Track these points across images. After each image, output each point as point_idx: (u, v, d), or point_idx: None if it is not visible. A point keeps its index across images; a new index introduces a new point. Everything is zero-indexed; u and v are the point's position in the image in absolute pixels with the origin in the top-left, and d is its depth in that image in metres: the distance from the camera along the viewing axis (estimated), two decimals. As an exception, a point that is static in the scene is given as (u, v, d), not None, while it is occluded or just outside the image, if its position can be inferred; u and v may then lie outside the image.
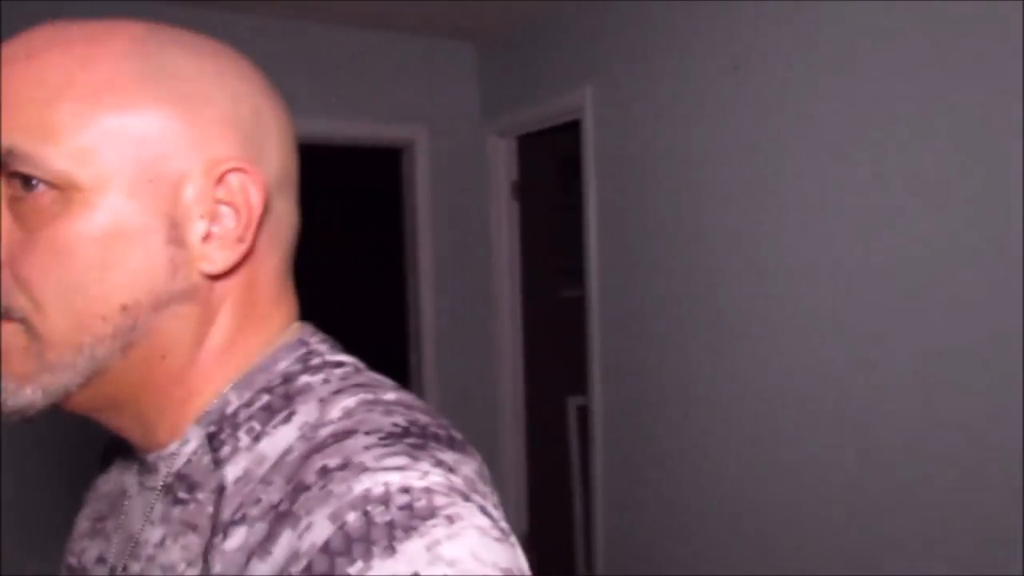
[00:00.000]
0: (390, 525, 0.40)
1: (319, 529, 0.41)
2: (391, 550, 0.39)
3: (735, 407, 2.17)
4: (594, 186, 2.67)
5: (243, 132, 0.52)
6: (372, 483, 0.42)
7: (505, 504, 2.83)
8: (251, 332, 0.55)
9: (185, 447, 0.52)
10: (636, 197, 2.50)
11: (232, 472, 0.50)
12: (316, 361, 0.55)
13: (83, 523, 0.66)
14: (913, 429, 1.72)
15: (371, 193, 5.06)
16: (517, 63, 3.12)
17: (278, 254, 0.56)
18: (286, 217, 0.56)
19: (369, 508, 0.41)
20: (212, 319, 0.53)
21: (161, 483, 0.53)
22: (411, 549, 0.39)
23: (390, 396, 0.51)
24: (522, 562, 0.44)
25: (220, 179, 0.50)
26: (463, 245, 3.35)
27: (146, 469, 0.55)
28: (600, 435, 2.72)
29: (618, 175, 2.57)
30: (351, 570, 0.39)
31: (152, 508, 0.54)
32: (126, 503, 0.59)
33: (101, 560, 0.59)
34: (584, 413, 3.47)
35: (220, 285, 0.52)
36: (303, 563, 0.40)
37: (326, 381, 0.53)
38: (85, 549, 0.63)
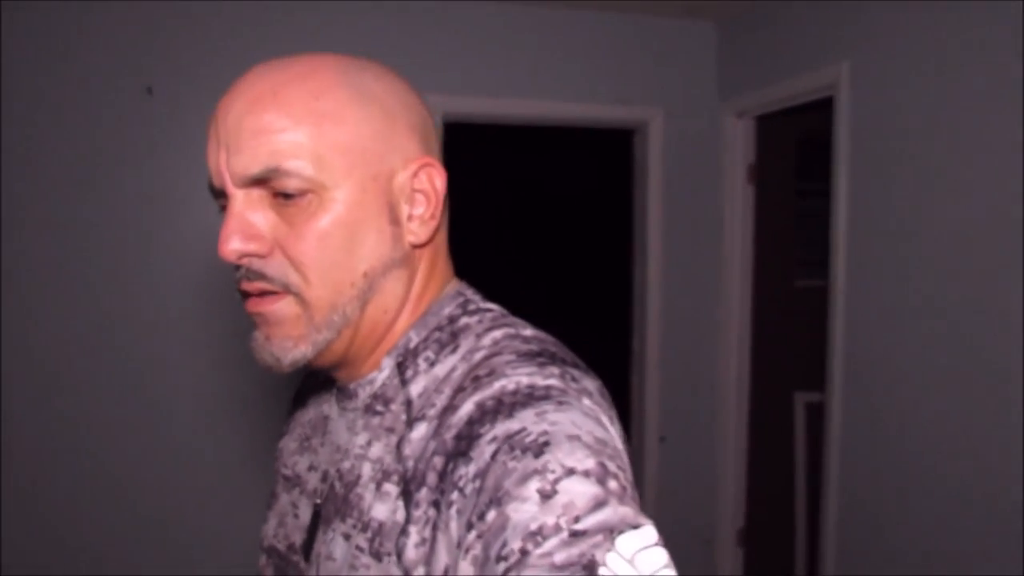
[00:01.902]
0: (513, 403, 0.55)
1: (465, 409, 0.57)
2: (510, 416, 0.54)
3: (991, 418, 1.94)
4: (846, 170, 2.50)
5: (420, 133, 0.68)
6: (507, 381, 0.58)
7: (722, 496, 2.79)
8: (431, 287, 0.72)
9: (381, 374, 0.69)
10: (894, 183, 2.30)
11: (415, 389, 0.66)
12: (472, 307, 0.71)
13: (291, 444, 0.83)
14: None
15: (601, 176, 5.07)
16: (761, 40, 2.98)
17: (447, 225, 0.74)
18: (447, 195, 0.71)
19: (503, 396, 0.56)
20: (414, 278, 0.70)
21: (362, 404, 0.70)
22: (524, 414, 0.54)
23: (528, 332, 0.67)
24: (619, 445, 0.56)
25: (416, 173, 0.67)
26: (693, 229, 3.27)
27: (346, 396, 0.72)
28: (837, 435, 2.55)
29: (874, 158, 2.38)
30: (481, 430, 0.55)
31: (355, 423, 0.70)
32: (329, 424, 0.76)
33: (312, 468, 0.76)
34: (813, 410, 3.28)
35: (419, 252, 0.70)
36: (453, 431, 0.57)
37: (480, 321, 0.69)
38: (296, 462, 0.80)
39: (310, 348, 0.65)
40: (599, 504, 0.47)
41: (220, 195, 0.65)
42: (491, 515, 0.49)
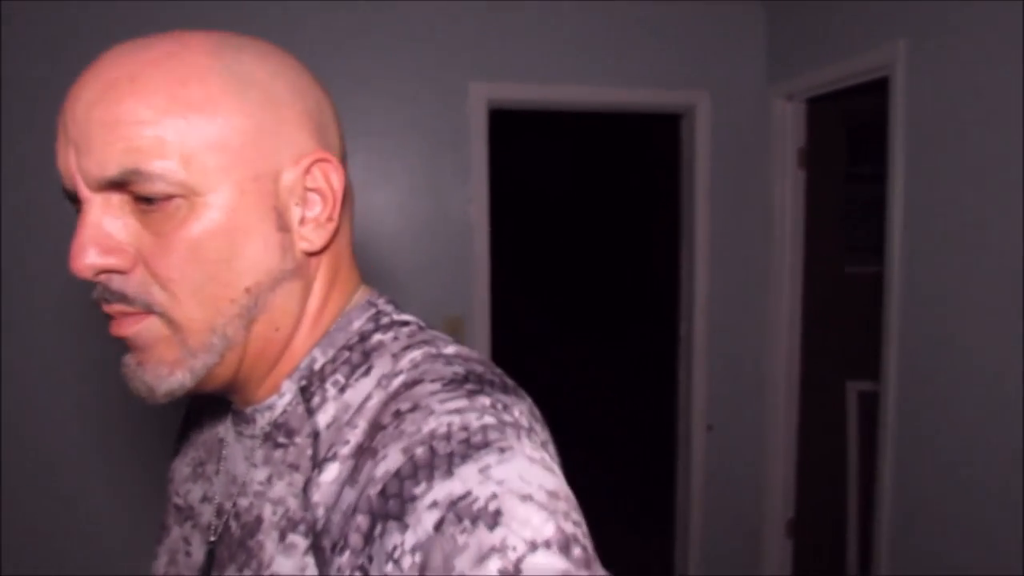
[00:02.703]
0: (450, 455, 0.48)
1: (392, 459, 0.50)
2: (450, 473, 0.47)
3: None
4: (902, 154, 2.42)
5: (314, 123, 0.59)
6: (437, 424, 0.50)
7: (772, 488, 2.73)
8: (334, 298, 0.64)
9: (281, 400, 0.61)
10: (953, 167, 2.22)
11: (323, 419, 0.58)
12: (385, 320, 0.64)
13: (183, 468, 0.74)
14: None
15: (647, 161, 5.02)
16: (812, 20, 2.90)
17: (350, 226, 0.66)
18: (351, 192, 0.64)
19: (434, 443, 0.49)
20: (310, 290, 0.62)
21: (260, 431, 0.62)
22: (466, 472, 0.47)
23: (450, 350, 0.59)
24: (567, 490, 0.49)
25: (307, 170, 0.58)
26: (741, 214, 3.21)
27: (243, 420, 0.64)
28: (892, 426, 2.49)
29: (932, 141, 2.30)
30: (416, 490, 0.47)
31: (253, 452, 0.62)
32: (224, 450, 0.67)
33: (206, 499, 0.68)
34: (866, 399, 3.21)
35: (315, 260, 0.62)
36: (379, 486, 0.49)
37: (395, 338, 0.61)
38: (189, 491, 0.71)
39: (188, 376, 0.56)
40: None
41: (74, 199, 0.56)
42: None
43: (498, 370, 0.59)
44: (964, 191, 2.19)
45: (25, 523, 2.64)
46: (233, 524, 0.61)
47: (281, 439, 0.60)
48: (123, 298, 0.54)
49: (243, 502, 0.61)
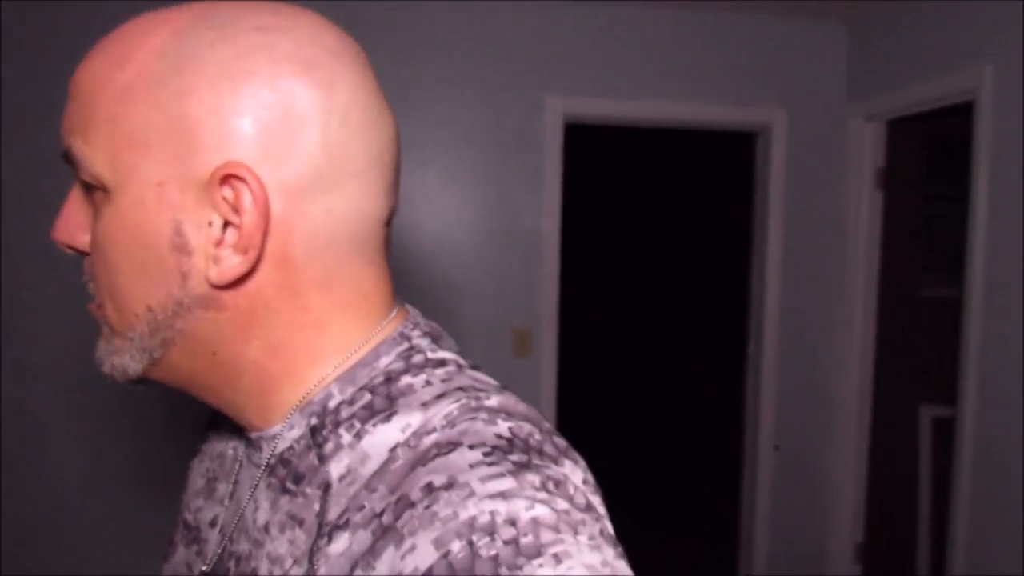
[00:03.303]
0: (495, 560, 0.39)
1: (423, 554, 0.40)
2: None
3: None
4: (986, 178, 2.39)
5: (261, 132, 0.46)
6: (478, 511, 0.41)
7: (839, 511, 2.73)
8: (348, 321, 0.53)
9: (289, 432, 0.52)
10: (1041, 190, 2.19)
11: (336, 470, 0.49)
12: (418, 359, 0.53)
13: (198, 479, 0.66)
14: None
15: (722, 179, 5.03)
16: (894, 42, 2.88)
17: (338, 252, 0.51)
18: (344, 213, 0.50)
19: (475, 538, 0.40)
20: (253, 323, 0.50)
21: (264, 463, 0.54)
22: None
23: (492, 402, 0.49)
24: (620, 561, 0.41)
25: (221, 184, 0.46)
26: (815, 233, 3.20)
27: (250, 445, 0.56)
28: (969, 453, 2.45)
29: (1017, 166, 2.27)
30: None
31: (256, 485, 0.54)
32: (238, 468, 0.60)
33: (213, 525, 0.60)
34: (940, 425, 3.15)
35: (247, 293, 0.49)
36: None
37: (428, 383, 0.51)
38: (200, 508, 0.63)
39: (119, 368, 0.52)
40: None
41: None
42: None
43: (547, 425, 0.51)
44: (1051, 217, 2.15)
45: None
46: (231, 567, 0.54)
47: (289, 484, 0.51)
48: (91, 276, 0.52)
49: (243, 547, 0.53)
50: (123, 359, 0.51)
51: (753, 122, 3.13)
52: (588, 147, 5.18)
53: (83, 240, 0.51)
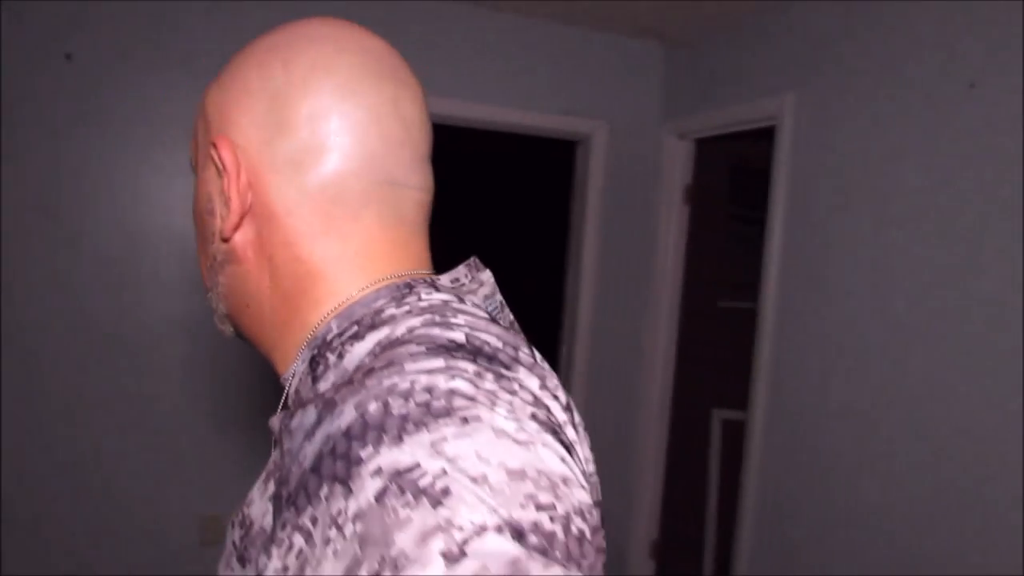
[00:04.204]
0: (403, 418, 0.43)
1: (346, 415, 0.45)
2: (399, 440, 0.42)
3: (911, 446, 2.05)
4: (783, 199, 2.59)
5: (267, 101, 0.59)
6: (400, 379, 0.46)
7: (637, 508, 2.83)
8: (324, 278, 0.60)
9: (299, 367, 0.60)
10: (829, 215, 2.40)
11: (323, 387, 0.55)
12: (411, 299, 0.57)
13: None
14: None
15: (541, 186, 5.11)
16: (707, 65, 3.06)
17: (323, 210, 0.59)
18: (324, 178, 0.59)
19: (390, 400, 0.44)
20: (263, 273, 0.61)
21: (281, 403, 0.62)
22: (417, 441, 0.42)
23: (459, 319, 0.53)
24: (549, 465, 0.44)
25: (212, 151, 0.60)
26: (628, 244, 3.33)
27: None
28: (757, 454, 2.63)
29: (812, 189, 2.48)
30: (362, 453, 0.43)
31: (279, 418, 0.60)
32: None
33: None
34: (730, 427, 3.38)
35: (249, 244, 0.61)
36: (330, 444, 0.45)
37: (409, 311, 0.55)
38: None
39: (217, 319, 0.67)
40: (516, 573, 0.39)
41: None
42: None
43: (527, 349, 0.54)
44: (837, 237, 2.36)
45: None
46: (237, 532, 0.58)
47: (292, 406, 0.59)
48: None
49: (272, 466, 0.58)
50: (216, 316, 0.66)
51: (575, 131, 3.21)
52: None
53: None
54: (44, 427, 2.55)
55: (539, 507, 0.42)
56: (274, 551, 0.46)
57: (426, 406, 0.44)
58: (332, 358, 0.56)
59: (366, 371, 0.48)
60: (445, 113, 2.98)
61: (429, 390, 0.45)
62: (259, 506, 0.53)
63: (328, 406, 0.47)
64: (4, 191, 2.43)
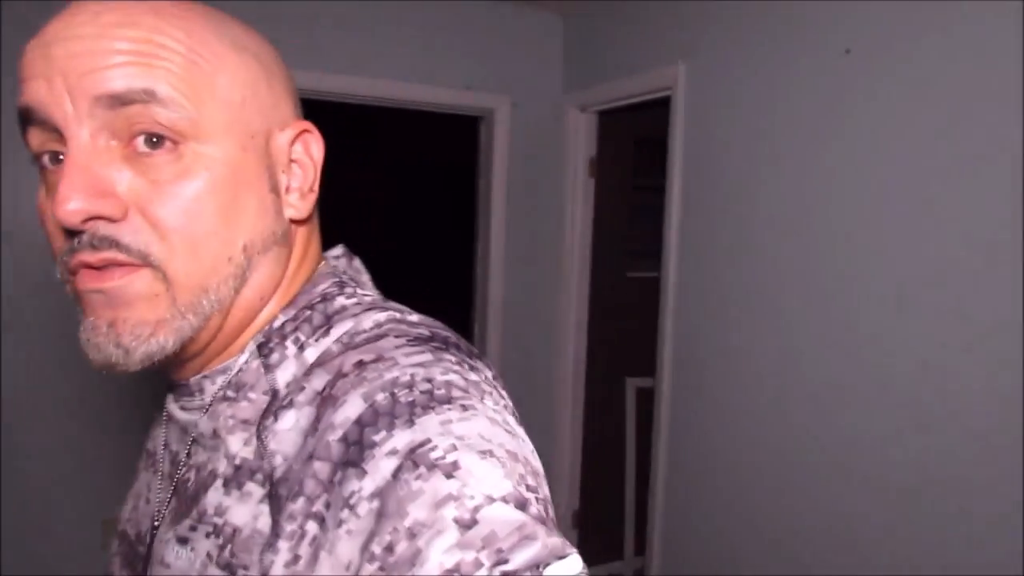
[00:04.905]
0: (411, 404, 0.47)
1: (352, 406, 0.48)
2: (410, 423, 0.46)
3: (807, 402, 2.13)
4: (680, 167, 2.63)
5: (293, 97, 0.61)
6: (400, 373, 0.50)
7: (557, 480, 2.89)
8: (304, 268, 0.63)
9: (239, 360, 0.59)
10: (723, 182, 2.45)
11: (282, 377, 0.56)
12: (350, 289, 0.62)
13: (156, 413, 0.70)
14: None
15: (445, 163, 5.06)
16: (604, 36, 3.07)
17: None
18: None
19: (396, 391, 0.48)
20: (290, 259, 0.61)
21: (211, 398, 0.59)
22: (427, 422, 0.46)
23: (414, 317, 0.59)
24: (529, 455, 0.50)
25: (294, 140, 0.59)
26: (535, 218, 3.33)
27: (186, 393, 0.60)
28: (665, 419, 2.69)
29: (706, 157, 2.52)
30: (376, 437, 0.46)
31: (199, 420, 0.59)
32: (163, 433, 0.65)
33: (167, 446, 0.64)
34: (643, 395, 3.45)
35: (295, 229, 0.62)
36: (338, 433, 0.48)
37: (358, 303, 0.60)
38: (155, 436, 0.68)
39: (172, 338, 0.52)
40: (525, 537, 0.41)
41: (40, 156, 0.52)
42: (400, 547, 0.42)
43: (464, 340, 0.58)
44: (732, 204, 2.41)
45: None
46: (191, 476, 0.58)
47: (229, 393, 0.57)
48: (115, 245, 0.50)
49: (201, 456, 0.58)
50: (187, 320, 0.53)
51: (477, 107, 3.18)
52: (321, 125, 4.95)
53: (115, 205, 0.50)
54: None
55: (528, 488, 0.46)
56: (282, 545, 0.48)
57: (429, 394, 0.48)
58: (292, 348, 0.57)
59: (356, 363, 0.52)
60: (342, 91, 2.91)
61: (429, 380, 0.49)
62: (241, 511, 0.52)
63: (326, 402, 0.50)
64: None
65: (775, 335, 2.25)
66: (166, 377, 0.63)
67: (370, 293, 0.63)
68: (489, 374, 0.55)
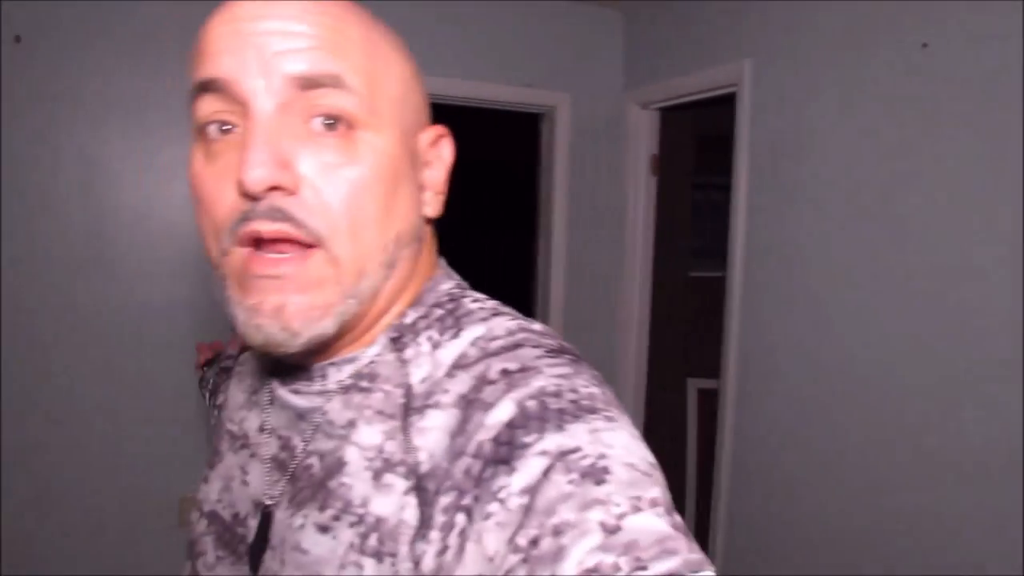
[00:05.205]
0: (560, 412, 0.49)
1: (503, 409, 0.50)
2: (560, 428, 0.48)
3: (884, 408, 2.06)
4: (746, 164, 2.57)
5: (427, 101, 0.64)
6: (547, 382, 0.52)
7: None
8: (426, 266, 0.65)
9: (369, 351, 0.60)
10: (791, 179, 2.39)
11: (417, 374, 0.57)
12: (471, 292, 0.65)
13: (238, 395, 0.73)
14: None
15: (505, 161, 5.07)
16: (667, 33, 3.02)
17: None
18: None
19: (544, 398, 0.50)
20: (421, 255, 0.63)
21: (335, 385, 0.60)
22: (577, 430, 0.48)
23: (537, 326, 0.60)
24: (660, 471, 0.51)
25: (435, 141, 0.63)
26: (596, 216, 3.31)
27: (304, 378, 0.62)
28: (730, 423, 2.64)
29: (773, 155, 2.46)
30: (527, 439, 0.48)
31: (331, 399, 0.60)
32: (259, 416, 0.67)
33: (264, 430, 0.66)
34: (705, 396, 3.40)
35: (426, 228, 0.64)
36: (490, 433, 0.50)
37: (483, 308, 0.61)
38: (244, 418, 0.70)
39: (334, 321, 0.55)
40: (665, 549, 0.42)
41: (218, 115, 0.53)
42: (545, 543, 0.43)
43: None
44: (800, 203, 2.35)
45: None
46: (314, 463, 0.59)
47: (364, 384, 0.59)
48: (290, 219, 0.51)
49: (325, 444, 0.59)
50: (347, 305, 0.55)
51: (538, 103, 3.17)
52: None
53: (293, 178, 0.51)
54: (41, 412, 2.55)
55: (669, 497, 0.47)
56: (433, 536, 0.50)
57: (576, 404, 0.50)
58: (426, 346, 0.59)
59: (502, 371, 0.54)
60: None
61: (573, 391, 0.51)
62: (384, 502, 0.54)
63: (474, 405, 0.53)
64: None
65: (849, 337, 2.18)
66: (280, 360, 0.63)
67: (485, 296, 0.65)
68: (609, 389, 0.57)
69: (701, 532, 3.24)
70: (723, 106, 2.86)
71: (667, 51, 3.02)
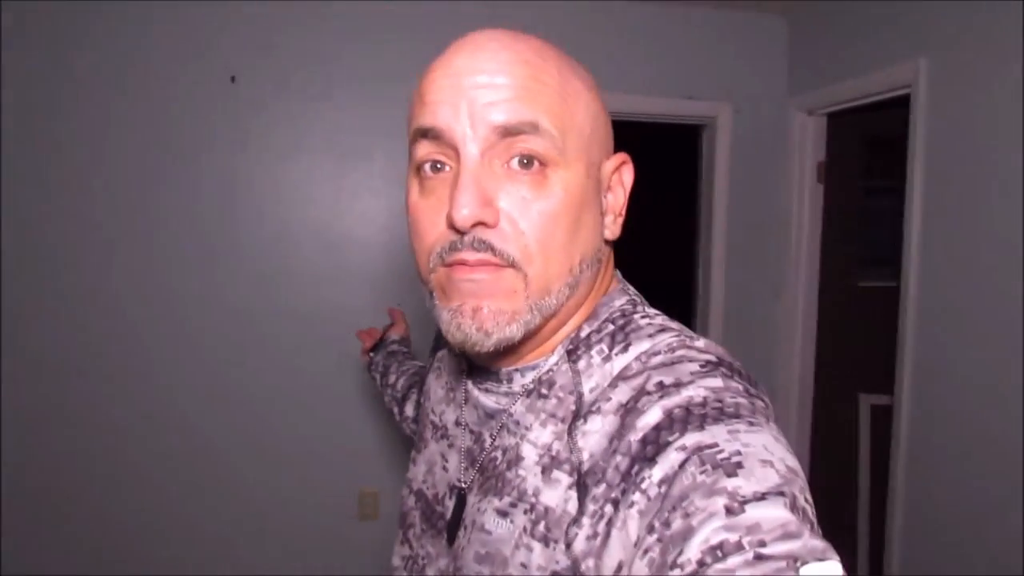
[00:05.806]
0: (703, 416, 0.54)
1: (652, 415, 0.56)
2: (701, 428, 0.53)
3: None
4: (921, 169, 2.44)
5: (610, 129, 0.69)
6: (695, 392, 0.56)
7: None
8: (604, 284, 0.71)
9: (548, 360, 0.68)
10: (971, 184, 2.24)
11: (587, 384, 0.64)
12: (641, 308, 0.70)
13: (438, 389, 0.85)
14: None
15: (666, 172, 5.05)
16: (833, 35, 2.92)
17: None
18: None
19: (689, 406, 0.55)
20: (599, 275, 0.69)
21: (520, 388, 0.69)
22: (716, 429, 0.52)
23: (700, 343, 0.64)
24: (803, 475, 0.53)
25: (617, 168, 0.69)
26: (758, 226, 3.24)
27: (492, 379, 0.71)
28: (904, 439, 2.51)
29: (951, 158, 2.33)
30: (669, 438, 0.53)
31: (515, 402, 0.69)
32: (455, 411, 0.78)
33: (459, 424, 0.77)
34: (879, 412, 3.22)
35: (605, 249, 0.70)
36: (639, 435, 0.55)
37: (650, 323, 0.67)
38: (444, 412, 0.82)
39: (520, 328, 0.62)
40: (788, 534, 0.45)
41: (432, 156, 0.63)
42: (676, 523, 0.48)
43: (744, 367, 0.64)
44: (980, 208, 2.21)
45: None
46: (498, 456, 0.68)
47: (543, 390, 0.67)
48: (490, 248, 0.60)
49: (509, 440, 0.68)
50: (533, 316, 0.63)
51: (698, 115, 3.16)
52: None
53: (493, 214, 0.60)
54: (226, 405, 2.78)
55: (806, 499, 0.50)
56: (585, 521, 0.57)
57: (720, 410, 0.55)
58: (596, 359, 0.66)
59: (657, 383, 0.59)
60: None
61: (719, 400, 0.56)
62: (552, 494, 0.61)
63: (630, 412, 0.58)
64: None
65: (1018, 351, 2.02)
66: (472, 363, 0.74)
67: (656, 312, 0.70)
68: (767, 400, 0.60)
69: (875, 566, 3.08)
70: (893, 107, 2.73)
71: (834, 54, 2.92)
